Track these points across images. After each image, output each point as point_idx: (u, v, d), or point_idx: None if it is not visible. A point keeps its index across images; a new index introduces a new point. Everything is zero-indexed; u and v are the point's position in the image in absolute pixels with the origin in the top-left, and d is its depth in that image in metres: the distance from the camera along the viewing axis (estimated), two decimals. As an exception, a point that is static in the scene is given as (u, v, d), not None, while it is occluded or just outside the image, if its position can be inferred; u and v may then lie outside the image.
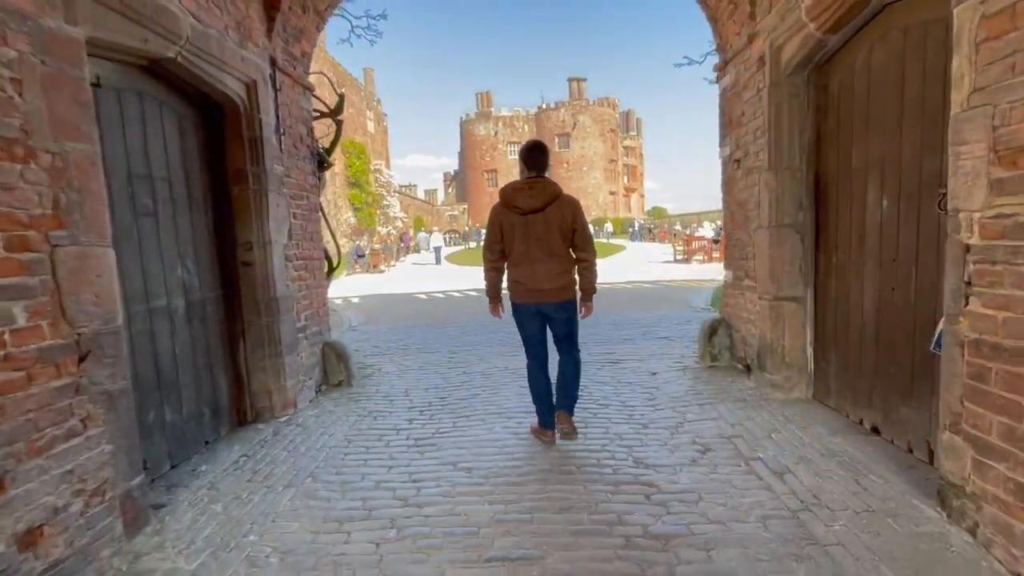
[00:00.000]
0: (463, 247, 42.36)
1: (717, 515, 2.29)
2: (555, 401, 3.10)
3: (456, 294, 11.41)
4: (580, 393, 3.89)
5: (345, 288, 13.65)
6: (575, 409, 3.13)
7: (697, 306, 7.89)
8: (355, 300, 10.94)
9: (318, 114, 4.86)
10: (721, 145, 4.44)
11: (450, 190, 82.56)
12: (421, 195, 76.74)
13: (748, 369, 4.08)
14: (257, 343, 3.63)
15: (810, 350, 3.54)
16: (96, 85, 2.39)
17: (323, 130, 5.25)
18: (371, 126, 40.81)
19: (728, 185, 4.36)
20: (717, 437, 3.10)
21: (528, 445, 3.11)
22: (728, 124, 4.28)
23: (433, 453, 3.07)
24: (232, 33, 3.30)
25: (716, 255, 16.00)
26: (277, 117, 3.80)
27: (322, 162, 4.72)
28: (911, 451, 2.65)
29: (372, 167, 39.75)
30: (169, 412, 2.95)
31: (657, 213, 78.31)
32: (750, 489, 2.49)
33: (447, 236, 62.05)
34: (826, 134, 3.29)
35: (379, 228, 40.67)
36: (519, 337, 3.21)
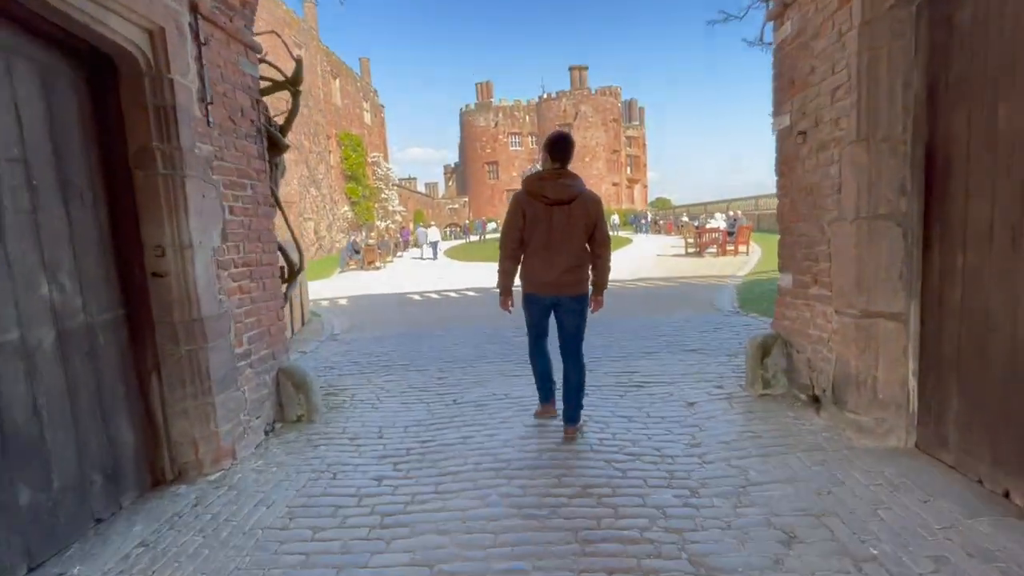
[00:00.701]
0: (463, 241, 41.41)
1: None
2: (562, 414, 3.12)
3: (453, 294, 10.51)
4: (602, 432, 3.09)
5: (336, 288, 12.79)
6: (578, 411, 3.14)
7: (723, 308, 6.98)
8: (343, 302, 10.06)
9: (270, 84, 3.95)
10: (776, 114, 3.52)
11: (450, 183, 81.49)
12: (421, 188, 75.69)
13: (816, 401, 3.19)
14: (176, 379, 2.75)
15: (913, 383, 2.65)
16: None
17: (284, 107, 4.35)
18: (367, 117, 39.79)
19: (786, 165, 3.44)
20: (800, 513, 2.22)
21: (538, 530, 2.23)
22: (787, 87, 3.35)
23: (403, 540, 2.19)
24: (121, -43, 2.38)
25: (730, 247, 15.07)
26: (202, 80, 2.89)
27: (276, 142, 3.81)
28: (1116, 556, 1.76)
29: (369, 159, 38.77)
30: (26, 490, 2.08)
31: (661, 204, 77.15)
32: (884, 628, 1.61)
33: (447, 230, 61.14)
34: (949, 87, 2.37)
35: (377, 222, 39.79)
36: (522, 353, 3.47)
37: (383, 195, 40.33)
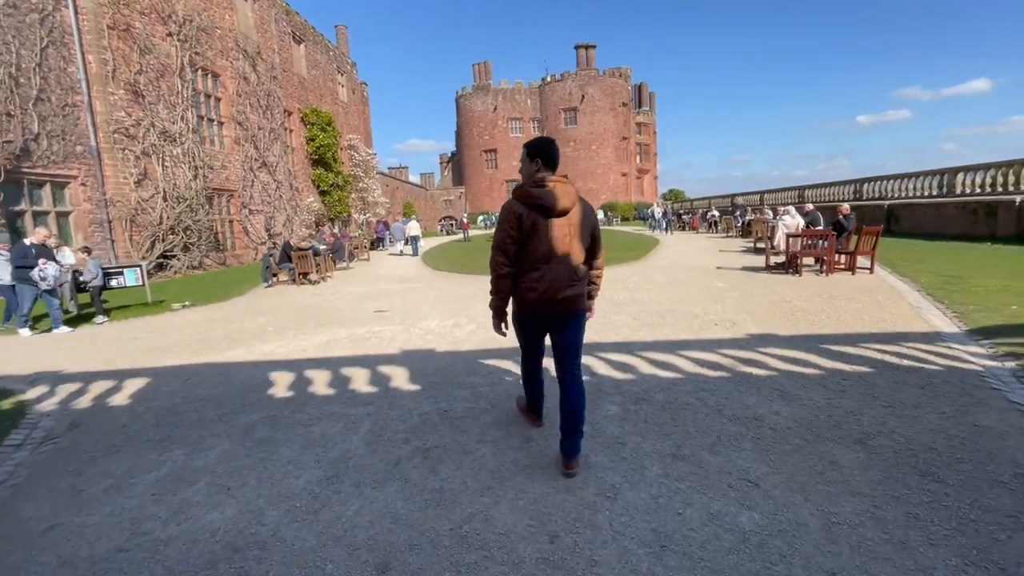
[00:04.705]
0: (457, 238, 35.95)
1: None
2: (560, 445, 2.79)
3: (363, 383, 4.54)
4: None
5: (188, 333, 7.45)
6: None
7: None
8: (120, 395, 4.75)
9: None
10: None
11: (446, 173, 75.91)
12: (415, 178, 70.11)
13: None
14: None
15: None
16: None
17: None
18: (343, 93, 34.26)
19: None
20: None
21: None
22: None
23: None
24: None
25: (839, 260, 9.75)
26: None
27: None
28: None
29: (345, 142, 33.33)
30: None
31: (675, 196, 71.65)
32: None
33: (440, 225, 55.68)
34: None
35: (355, 215, 34.45)
36: None
37: (361, 184, 34.93)
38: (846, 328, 5.47)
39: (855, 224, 10.00)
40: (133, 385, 4.90)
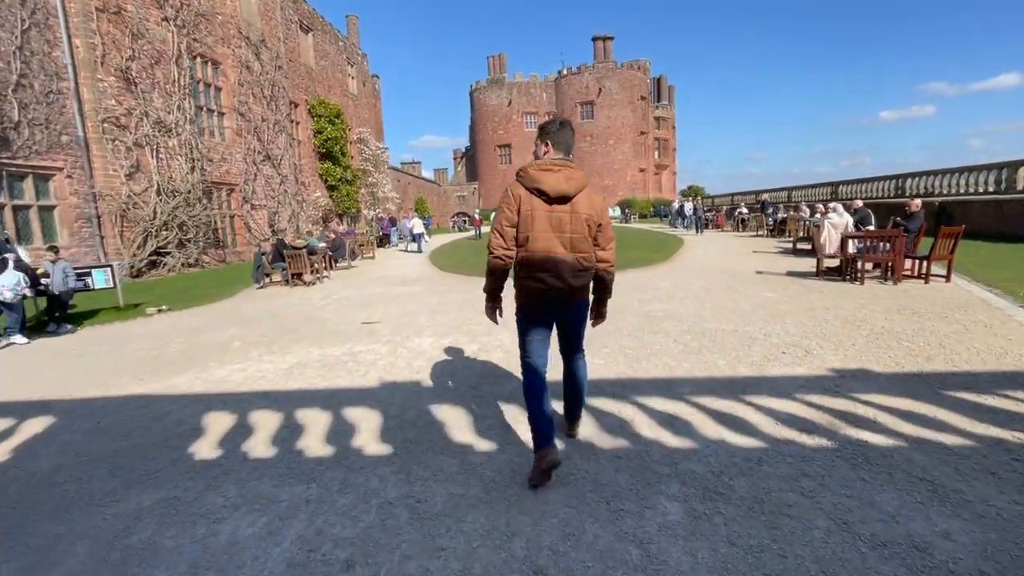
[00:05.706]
0: (470, 235, 34.69)
1: None
2: (564, 414, 3.01)
3: (316, 440, 4.05)
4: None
5: (136, 348, 6.38)
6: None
7: None
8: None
9: None
10: None
11: (459, 168, 74.77)
12: (428, 174, 69.05)
13: None
14: None
15: None
16: None
17: None
18: (353, 85, 33.24)
19: None
20: None
21: None
22: None
23: None
24: None
25: (907, 266, 8.32)
26: None
27: None
28: None
29: (354, 136, 32.35)
30: None
31: (694, 193, 69.60)
32: None
33: (452, 222, 54.58)
34: None
35: (365, 211, 33.52)
36: None
37: (371, 179, 33.93)
38: (962, 363, 4.14)
39: (923, 224, 8.56)
40: (30, 428, 3.79)
